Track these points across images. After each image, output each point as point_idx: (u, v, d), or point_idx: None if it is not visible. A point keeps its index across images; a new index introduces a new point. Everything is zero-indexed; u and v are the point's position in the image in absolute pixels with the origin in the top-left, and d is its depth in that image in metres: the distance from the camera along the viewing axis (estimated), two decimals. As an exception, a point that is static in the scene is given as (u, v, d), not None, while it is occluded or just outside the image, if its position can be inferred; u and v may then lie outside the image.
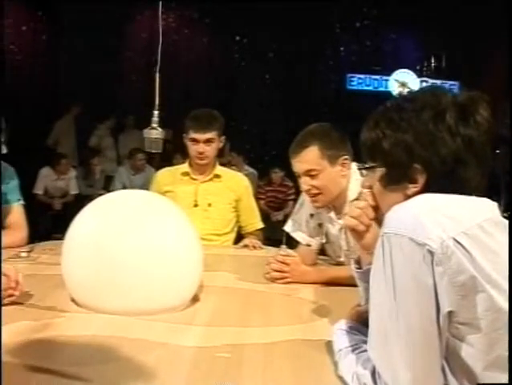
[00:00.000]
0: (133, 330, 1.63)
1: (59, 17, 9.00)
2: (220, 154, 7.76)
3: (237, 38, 9.96)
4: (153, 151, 2.73)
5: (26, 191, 6.89)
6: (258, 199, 7.15)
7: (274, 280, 2.28)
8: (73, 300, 1.84)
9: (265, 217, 6.15)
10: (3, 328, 1.59)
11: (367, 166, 1.36)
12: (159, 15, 2.40)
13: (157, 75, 2.51)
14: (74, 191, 7.53)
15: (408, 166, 1.24)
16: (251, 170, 7.92)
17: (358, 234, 1.44)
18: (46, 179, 7.50)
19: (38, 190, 7.39)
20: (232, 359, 1.42)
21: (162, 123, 2.69)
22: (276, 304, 2.01)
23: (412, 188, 1.25)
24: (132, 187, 6.82)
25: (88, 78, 8.89)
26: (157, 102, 2.53)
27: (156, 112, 2.57)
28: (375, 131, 1.30)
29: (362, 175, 1.47)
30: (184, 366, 1.39)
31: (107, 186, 7.64)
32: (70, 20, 8.93)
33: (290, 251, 2.41)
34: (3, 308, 1.73)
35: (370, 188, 1.37)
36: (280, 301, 2.05)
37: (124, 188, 7.02)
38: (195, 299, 1.94)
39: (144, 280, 1.76)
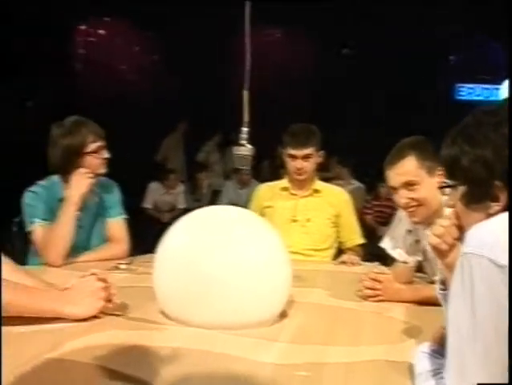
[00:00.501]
0: (217, 343, 1.63)
1: (168, 36, 9.27)
2: (326, 168, 7.72)
3: (344, 50, 9.90)
4: (242, 167, 2.75)
5: (136, 205, 7.15)
6: (364, 214, 7.05)
7: (366, 298, 2.22)
8: (163, 312, 1.87)
9: (372, 232, 6.05)
10: (95, 335, 1.66)
11: (448, 184, 1.30)
12: (246, 31, 2.41)
13: (245, 92, 2.52)
14: (182, 205, 7.69)
15: (489, 183, 1.16)
16: (358, 184, 7.79)
17: (441, 253, 1.38)
18: (155, 193, 7.72)
19: (147, 204, 7.62)
20: (310, 378, 1.39)
21: (252, 139, 2.69)
22: (365, 322, 1.96)
23: (495, 207, 1.17)
24: (239, 201, 6.89)
25: (195, 95, 9.10)
26: (246, 119, 2.54)
27: (244, 129, 2.57)
28: (453, 147, 1.24)
29: (444, 194, 1.40)
30: (261, 382, 1.37)
31: (214, 200, 7.75)
32: (177, 39, 9.18)
33: (383, 268, 2.35)
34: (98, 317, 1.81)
35: (453, 206, 1.31)
36: (369, 320, 1.99)
37: (231, 202, 7.11)
38: (283, 315, 1.92)
39: (232, 295, 1.76)
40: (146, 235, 6.45)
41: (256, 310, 1.81)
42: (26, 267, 2.74)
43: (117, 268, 2.66)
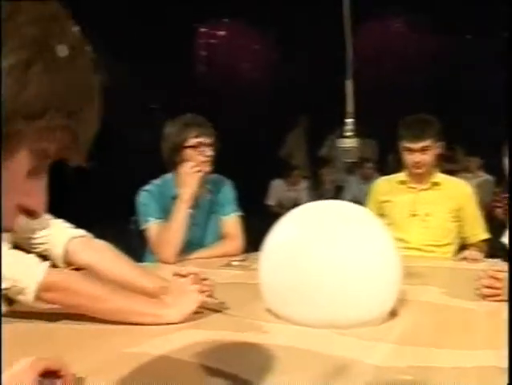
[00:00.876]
0: (321, 343, 1.58)
1: (287, 32, 9.27)
2: (453, 160, 7.41)
3: (469, 36, 9.49)
4: (348, 160, 2.68)
5: (259, 201, 7.20)
6: (494, 207, 6.71)
7: (484, 297, 2.06)
8: (269, 310, 1.83)
9: (503, 227, 5.71)
10: (198, 332, 1.66)
11: None
12: (345, 22, 2.33)
13: (349, 82, 2.44)
14: (305, 202, 7.61)
15: None
16: (487, 176, 7.44)
17: None
18: (279, 190, 7.75)
19: (271, 201, 7.67)
20: (414, 383, 1.30)
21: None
22: (481, 324, 1.81)
23: None
24: (361, 196, 6.76)
25: (316, 89, 9.04)
26: (350, 110, 2.46)
27: (349, 121, 2.50)
28: None
29: None
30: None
31: (338, 196, 7.66)
32: (296, 34, 9.16)
33: (504, 265, 2.18)
34: (200, 314, 1.80)
35: None
36: (486, 322, 1.84)
37: (354, 197, 6.99)
38: (393, 314, 1.83)
39: (340, 292, 1.70)
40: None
41: (364, 309, 1.74)
42: (143, 264, 2.82)
43: (230, 265, 2.67)
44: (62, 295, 1.64)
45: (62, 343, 1.59)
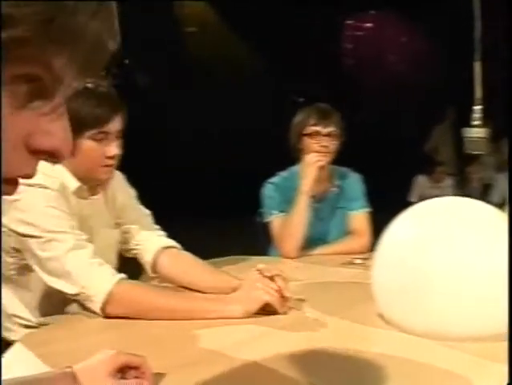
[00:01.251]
0: (426, 354, 1.46)
1: (433, 25, 8.95)
2: None
3: None
4: (473, 152, 2.46)
5: (403, 198, 7.01)
6: None
7: None
8: (379, 314, 1.74)
9: None
10: (282, 334, 1.60)
11: None
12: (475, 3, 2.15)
13: (477, 64, 2.23)
14: (449, 200, 7.34)
15: None
16: None
17: None
18: (422, 187, 7.50)
19: (414, 198, 7.42)
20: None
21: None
22: None
23: None
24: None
25: (467, 82, 8.65)
26: (478, 96, 2.25)
27: (477, 108, 2.28)
28: None
29: None
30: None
31: (485, 195, 7.28)
32: (443, 27, 8.81)
33: None
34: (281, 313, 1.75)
35: None
36: None
37: (502, 197, 6.62)
38: (516, 330, 1.66)
39: (456, 301, 1.57)
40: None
41: (483, 322, 1.59)
42: (265, 258, 2.80)
43: (352, 263, 2.58)
44: (125, 308, 1.68)
45: (140, 337, 1.60)
